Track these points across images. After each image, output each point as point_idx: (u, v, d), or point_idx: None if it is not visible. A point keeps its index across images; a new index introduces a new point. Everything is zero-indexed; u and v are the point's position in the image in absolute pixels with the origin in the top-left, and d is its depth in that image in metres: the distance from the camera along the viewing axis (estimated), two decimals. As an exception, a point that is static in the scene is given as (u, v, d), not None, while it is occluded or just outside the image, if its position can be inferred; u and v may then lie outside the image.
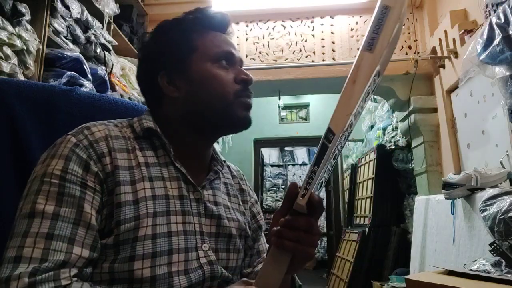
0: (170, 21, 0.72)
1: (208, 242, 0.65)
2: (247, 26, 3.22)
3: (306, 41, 3.18)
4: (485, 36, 1.73)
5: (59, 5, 1.81)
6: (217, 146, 3.75)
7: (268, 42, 3.20)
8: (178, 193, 0.64)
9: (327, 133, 0.50)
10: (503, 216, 1.46)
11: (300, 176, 7.77)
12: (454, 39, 2.54)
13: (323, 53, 3.13)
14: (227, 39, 0.72)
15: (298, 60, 3.14)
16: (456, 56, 2.52)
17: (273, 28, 3.23)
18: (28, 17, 1.61)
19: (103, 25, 2.22)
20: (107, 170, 0.59)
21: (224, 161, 0.78)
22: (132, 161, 0.63)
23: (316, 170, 0.50)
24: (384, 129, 4.03)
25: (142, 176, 0.62)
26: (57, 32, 1.82)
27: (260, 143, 5.66)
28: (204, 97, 0.67)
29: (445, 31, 2.64)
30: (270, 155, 7.96)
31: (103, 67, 2.13)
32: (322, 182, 0.52)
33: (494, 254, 1.42)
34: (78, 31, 1.97)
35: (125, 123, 0.69)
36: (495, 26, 1.67)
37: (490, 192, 1.67)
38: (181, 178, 0.66)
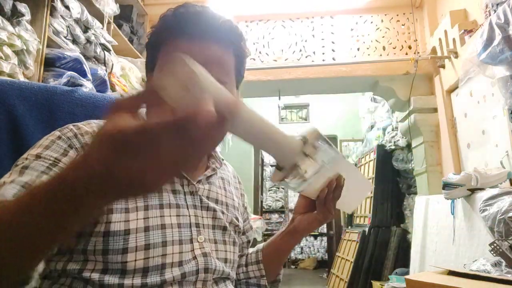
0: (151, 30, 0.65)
1: (204, 234, 0.65)
2: (247, 26, 3.22)
3: (306, 41, 3.17)
4: (485, 36, 1.73)
5: (59, 5, 1.81)
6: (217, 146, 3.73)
7: (268, 42, 3.20)
8: (171, 188, 0.64)
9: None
10: (503, 216, 1.46)
11: (300, 176, 7.74)
12: (454, 39, 2.53)
13: (323, 53, 3.13)
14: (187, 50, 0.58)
15: (298, 60, 3.14)
16: (456, 56, 2.52)
17: (273, 28, 3.23)
18: (28, 17, 1.61)
19: (103, 25, 2.22)
20: None
21: (223, 159, 0.79)
22: None
23: None
24: (384, 129, 4.03)
25: None
26: (57, 32, 1.82)
27: (260, 143, 5.66)
28: None
29: (445, 31, 2.64)
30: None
31: (103, 67, 2.13)
32: None
33: (494, 254, 1.42)
34: (78, 31, 1.97)
35: None
36: (495, 26, 1.67)
37: (490, 192, 1.67)
38: None
